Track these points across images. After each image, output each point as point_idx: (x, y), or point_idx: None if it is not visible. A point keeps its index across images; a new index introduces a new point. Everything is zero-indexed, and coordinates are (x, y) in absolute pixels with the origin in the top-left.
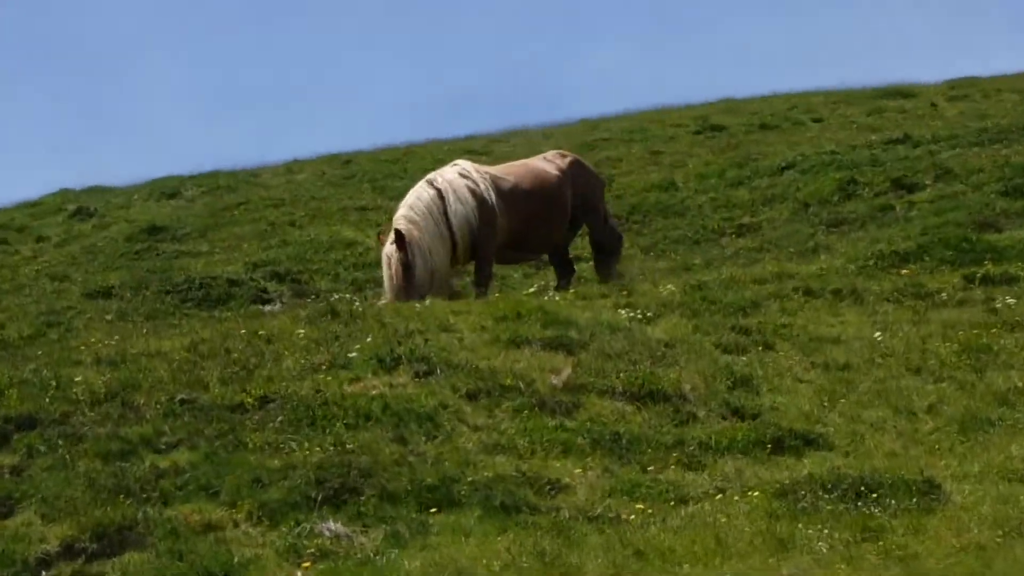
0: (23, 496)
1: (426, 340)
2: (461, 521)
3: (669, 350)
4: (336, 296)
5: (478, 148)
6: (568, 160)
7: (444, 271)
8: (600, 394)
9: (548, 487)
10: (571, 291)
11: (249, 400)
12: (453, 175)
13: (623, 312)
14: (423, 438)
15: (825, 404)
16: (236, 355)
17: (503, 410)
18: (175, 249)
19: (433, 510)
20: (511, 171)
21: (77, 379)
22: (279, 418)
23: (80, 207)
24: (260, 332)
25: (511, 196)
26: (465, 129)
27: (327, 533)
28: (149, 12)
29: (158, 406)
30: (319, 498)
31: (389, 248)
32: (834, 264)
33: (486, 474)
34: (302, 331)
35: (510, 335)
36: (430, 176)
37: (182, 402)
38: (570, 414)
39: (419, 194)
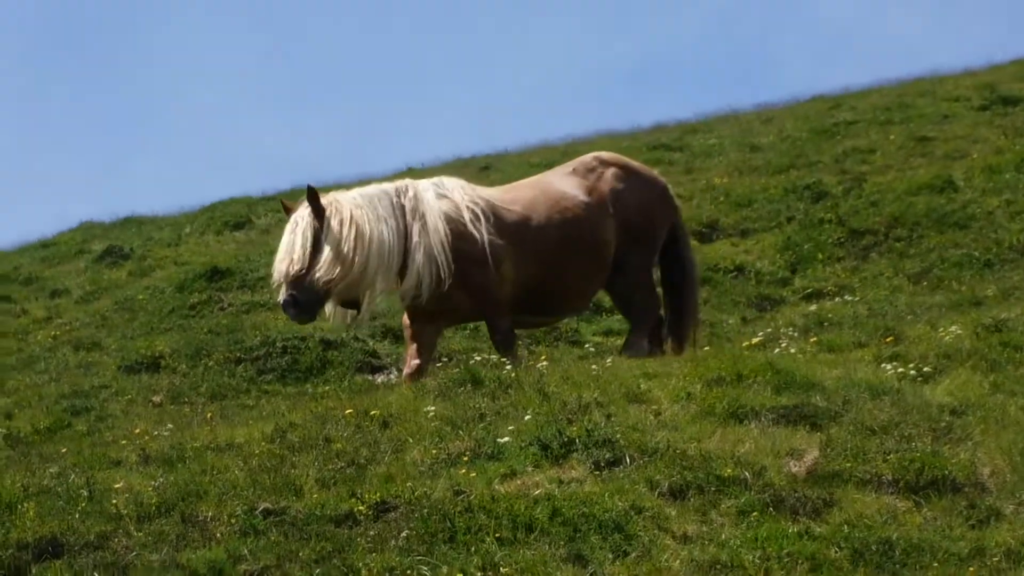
0: None
1: (608, 416)
2: None
3: (957, 419)
4: (477, 358)
5: (668, 142)
6: (609, 171)
7: (361, 280)
8: (860, 485)
9: None
10: (812, 339)
11: (361, 508)
12: (428, 187)
13: (888, 367)
14: (610, 555)
15: None
16: (340, 446)
17: (722, 512)
18: (245, 300)
19: None
20: (517, 195)
21: (117, 486)
22: (403, 532)
23: (110, 246)
24: (372, 412)
25: (519, 233)
26: (649, 116)
27: None
28: None
29: (233, 520)
30: None
31: (302, 210)
32: None
33: None
34: (431, 408)
35: (728, 405)
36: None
37: (266, 514)
38: (819, 515)
39: (373, 187)
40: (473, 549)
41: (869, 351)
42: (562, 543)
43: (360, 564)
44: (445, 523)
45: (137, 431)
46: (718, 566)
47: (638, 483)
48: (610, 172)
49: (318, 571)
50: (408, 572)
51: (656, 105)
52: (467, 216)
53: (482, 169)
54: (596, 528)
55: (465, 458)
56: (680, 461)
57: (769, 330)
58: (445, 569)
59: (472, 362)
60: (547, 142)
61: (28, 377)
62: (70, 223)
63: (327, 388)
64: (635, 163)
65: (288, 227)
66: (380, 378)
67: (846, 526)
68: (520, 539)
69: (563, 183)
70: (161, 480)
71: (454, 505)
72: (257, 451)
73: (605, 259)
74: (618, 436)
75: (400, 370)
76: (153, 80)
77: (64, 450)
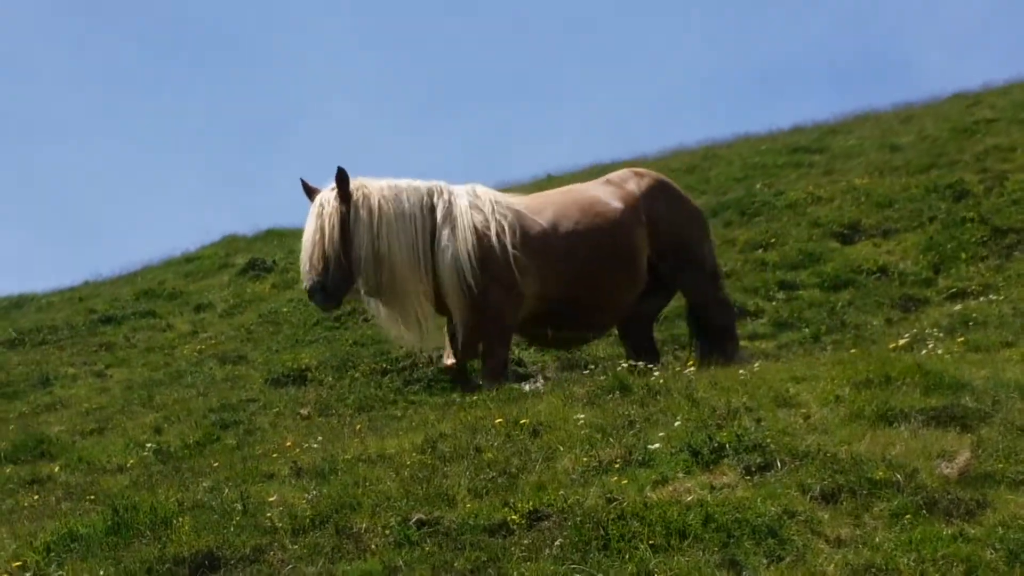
0: None
1: (758, 421)
2: None
3: None
4: (624, 364)
5: (807, 144)
6: (643, 184)
7: (399, 272)
8: (1013, 486)
9: None
10: (959, 339)
11: (514, 517)
12: (462, 193)
13: None
14: (764, 560)
15: None
16: (491, 455)
17: (875, 515)
18: None
19: None
20: (547, 204)
21: (271, 499)
22: (557, 541)
23: (253, 259)
24: (522, 421)
25: (545, 245)
26: (787, 118)
27: None
28: None
29: (387, 532)
30: None
31: (327, 193)
32: None
33: None
34: (581, 416)
35: (877, 408)
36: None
37: (420, 524)
38: (972, 517)
39: (405, 182)
40: (627, 556)
41: (1017, 350)
42: (716, 549)
43: (515, 573)
44: (598, 531)
45: (288, 444)
46: (873, 570)
47: (790, 487)
48: (645, 183)
49: None
50: None
51: (794, 107)
52: (494, 230)
53: None
54: (749, 533)
55: (616, 465)
56: (831, 464)
57: (915, 331)
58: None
59: (619, 369)
60: (684, 146)
61: (176, 392)
62: (212, 237)
63: (475, 398)
64: (672, 183)
65: (313, 211)
66: (527, 386)
67: (1000, 527)
68: (674, 545)
69: (596, 190)
70: (314, 493)
71: (607, 512)
72: (408, 462)
73: (638, 268)
74: (768, 441)
75: (546, 378)
76: (290, 92)
77: (216, 464)
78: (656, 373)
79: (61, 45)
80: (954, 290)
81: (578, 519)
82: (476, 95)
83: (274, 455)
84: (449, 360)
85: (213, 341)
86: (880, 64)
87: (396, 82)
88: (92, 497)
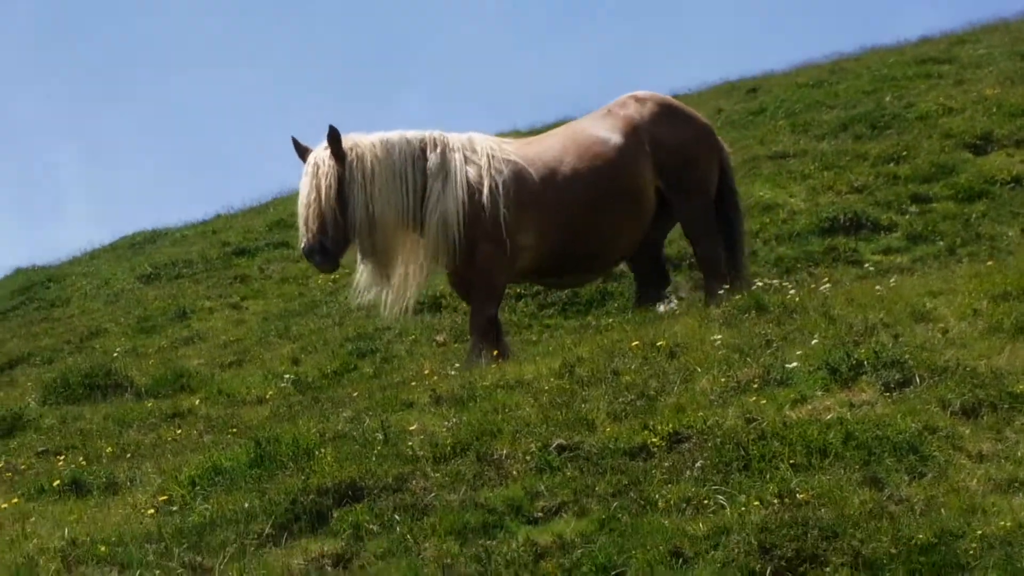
0: None
1: (896, 337)
2: None
3: None
4: (759, 283)
5: (936, 54)
6: (645, 111)
7: (389, 232)
8: None
9: None
10: None
11: (654, 440)
12: (457, 146)
13: None
14: (906, 477)
15: None
16: (629, 378)
17: (1016, 429)
18: None
19: None
20: (545, 150)
21: (412, 428)
22: (698, 463)
23: None
24: (659, 343)
25: (542, 196)
26: (914, 30)
27: None
28: None
29: (528, 458)
30: (766, 572)
31: (321, 152)
32: None
33: (1003, 523)
34: (718, 337)
35: (1017, 320)
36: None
37: (560, 449)
38: None
39: (397, 135)
40: (768, 476)
41: None
42: (857, 467)
43: (656, 495)
44: (739, 451)
45: (426, 372)
46: (1016, 484)
47: (930, 403)
48: (647, 109)
49: (616, 504)
50: (705, 502)
51: (921, 16)
52: (486, 186)
53: (749, 91)
54: (890, 450)
55: (754, 385)
56: (971, 379)
57: None
58: (743, 498)
59: (755, 287)
60: (813, 60)
61: (312, 322)
62: None
63: (610, 320)
64: (677, 102)
65: (308, 170)
66: (662, 307)
67: None
68: (815, 464)
69: (595, 127)
70: (454, 420)
71: (747, 433)
72: (547, 387)
73: (643, 204)
74: (906, 356)
75: (680, 298)
76: (414, 17)
77: (354, 393)
78: (792, 292)
79: None
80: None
81: (718, 440)
82: (600, 15)
83: (412, 383)
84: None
85: (347, 271)
86: None
87: (517, 4)
88: (233, 430)
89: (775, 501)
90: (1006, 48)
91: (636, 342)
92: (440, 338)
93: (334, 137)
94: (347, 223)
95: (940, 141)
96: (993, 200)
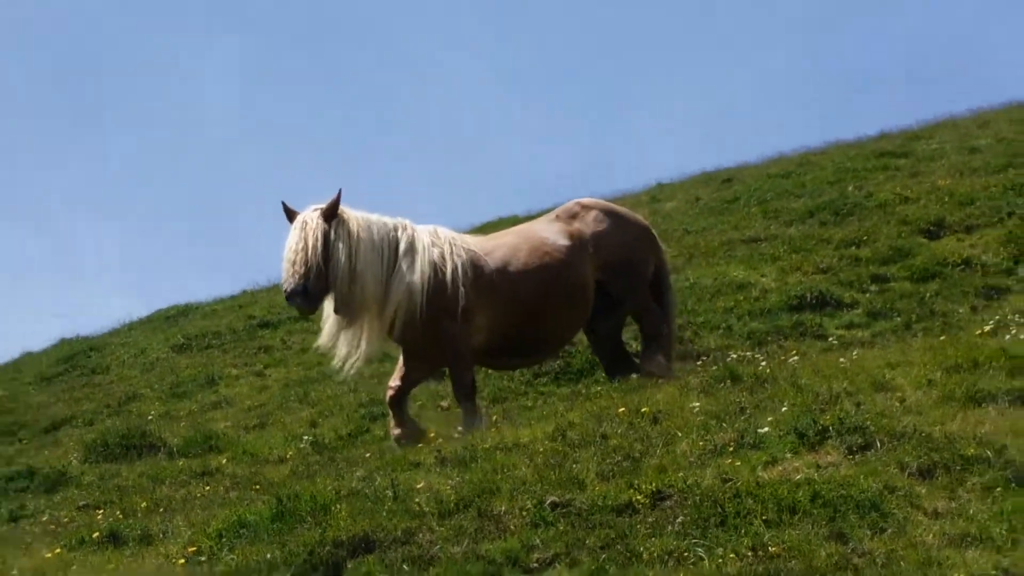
0: None
1: (858, 404)
2: None
3: None
4: (734, 355)
5: (893, 149)
6: (589, 216)
7: (368, 288)
8: None
9: None
10: None
11: (639, 498)
12: (424, 232)
13: None
14: (868, 532)
15: None
16: (616, 441)
17: (968, 489)
18: None
19: None
20: (499, 246)
21: (419, 485)
22: (679, 518)
23: None
24: (643, 409)
25: (495, 284)
26: (872, 126)
27: None
28: None
29: (524, 513)
30: None
31: (310, 212)
32: None
33: (957, 575)
34: (696, 404)
35: (967, 390)
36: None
37: (553, 506)
38: None
39: (375, 216)
40: (743, 531)
41: None
42: (823, 523)
43: (641, 548)
44: (716, 508)
45: (431, 434)
46: (968, 538)
47: (889, 465)
48: (591, 215)
49: (604, 556)
50: (685, 554)
51: (875, 116)
52: (449, 267)
53: (724, 181)
54: (854, 508)
55: (730, 448)
56: (926, 443)
57: (998, 317)
58: (720, 551)
59: (730, 359)
60: (782, 153)
61: (328, 389)
62: None
63: (598, 388)
64: (617, 207)
65: (297, 224)
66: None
67: None
68: (785, 520)
69: (545, 230)
70: (457, 479)
71: (723, 492)
72: (541, 449)
73: (585, 300)
74: (868, 422)
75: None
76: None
77: (367, 454)
78: (764, 363)
79: (197, 51)
80: None
81: (697, 498)
82: (577, 112)
83: (419, 445)
84: (394, 383)
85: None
86: (961, 68)
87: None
88: (257, 486)
89: (749, 554)
90: (956, 143)
91: (622, 408)
92: (444, 404)
93: (338, 198)
94: (329, 274)
95: (897, 227)
96: (945, 280)
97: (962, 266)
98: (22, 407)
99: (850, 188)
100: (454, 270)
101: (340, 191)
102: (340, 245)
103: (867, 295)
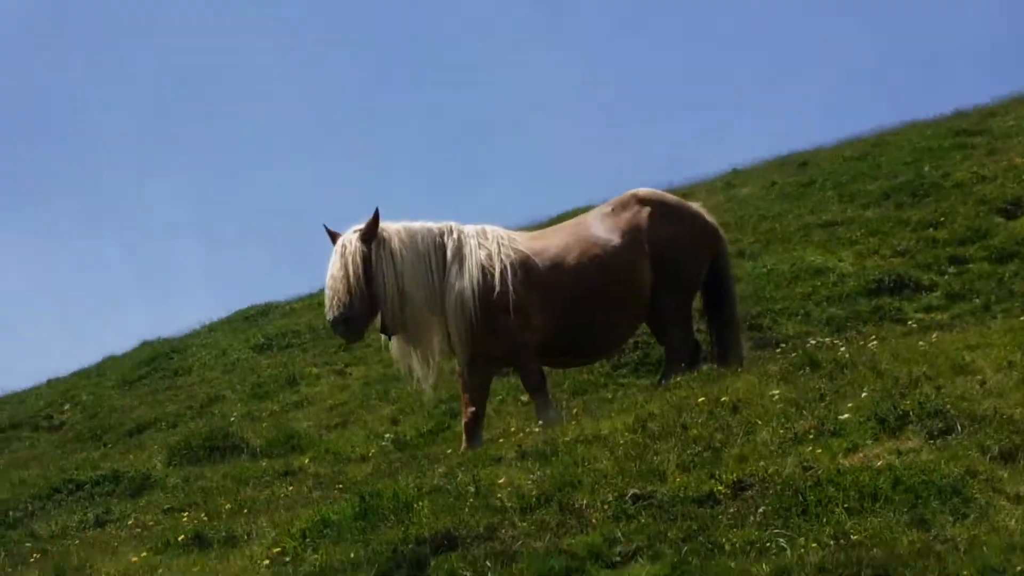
0: None
1: (938, 388)
2: None
3: None
4: (812, 341)
5: (969, 127)
6: (644, 211)
7: (419, 309)
8: None
9: None
10: None
11: (720, 488)
12: (472, 233)
13: None
14: (949, 518)
15: None
16: (696, 432)
17: None
18: None
19: None
20: (550, 245)
21: (500, 481)
22: (760, 508)
23: None
24: (722, 399)
25: (546, 284)
26: (948, 104)
27: None
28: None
29: (605, 507)
30: None
31: (349, 235)
32: None
33: None
34: (775, 392)
35: None
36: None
37: (635, 499)
38: None
39: (419, 224)
40: (825, 520)
41: None
42: (905, 509)
43: (723, 539)
44: (797, 497)
45: (512, 429)
46: None
47: (970, 449)
48: (646, 211)
49: (686, 548)
50: (768, 545)
51: (955, 92)
52: (497, 268)
53: (800, 165)
54: (935, 493)
55: (810, 436)
56: (1008, 426)
57: None
58: (802, 540)
59: (808, 346)
60: (857, 135)
61: (409, 386)
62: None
63: (678, 378)
64: (672, 198)
65: (337, 250)
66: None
67: None
68: (866, 508)
69: (598, 226)
70: (538, 473)
71: (804, 480)
72: (621, 441)
73: (639, 302)
74: (948, 406)
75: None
76: (490, 109)
77: (448, 450)
78: (843, 349)
79: (283, 68)
80: None
81: (778, 487)
82: (656, 105)
83: (500, 440)
84: (470, 409)
85: None
86: None
87: (585, 91)
88: (340, 485)
89: (831, 542)
90: None
91: (702, 398)
92: (525, 398)
93: (376, 218)
94: (373, 297)
95: (975, 207)
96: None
97: None
98: (106, 411)
99: (926, 168)
100: (503, 271)
101: (377, 210)
102: (383, 268)
103: (945, 277)
